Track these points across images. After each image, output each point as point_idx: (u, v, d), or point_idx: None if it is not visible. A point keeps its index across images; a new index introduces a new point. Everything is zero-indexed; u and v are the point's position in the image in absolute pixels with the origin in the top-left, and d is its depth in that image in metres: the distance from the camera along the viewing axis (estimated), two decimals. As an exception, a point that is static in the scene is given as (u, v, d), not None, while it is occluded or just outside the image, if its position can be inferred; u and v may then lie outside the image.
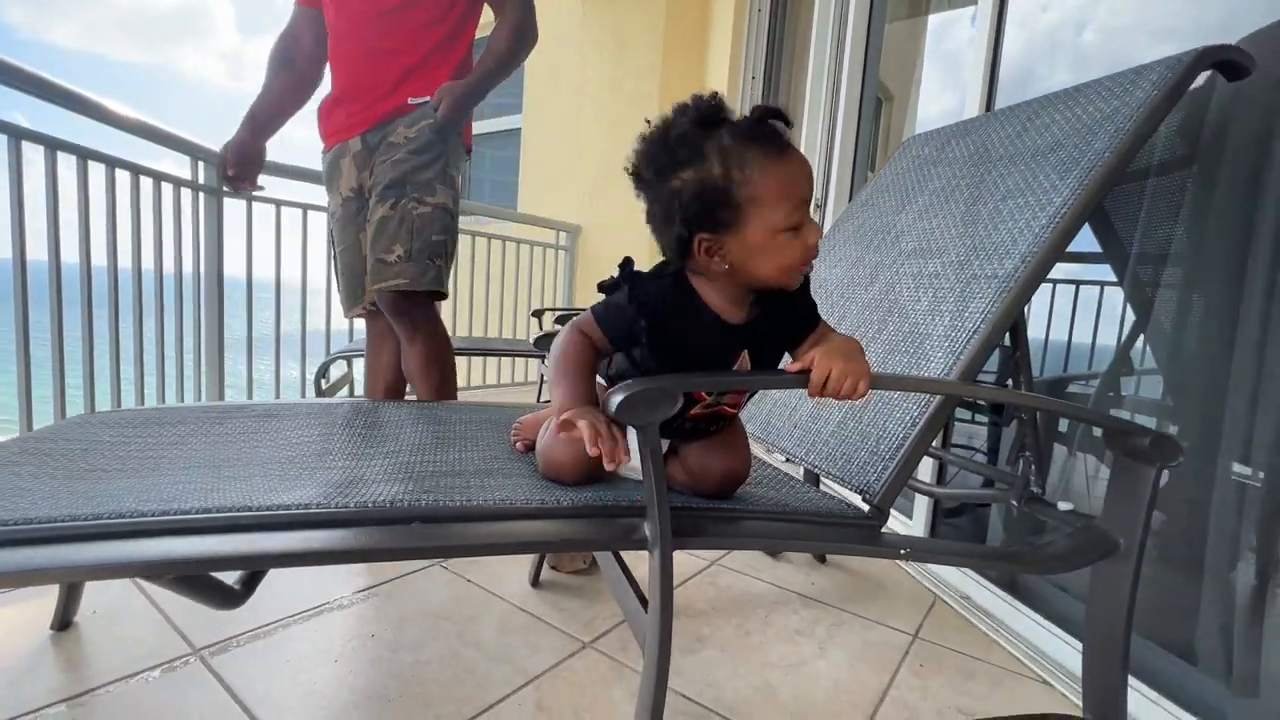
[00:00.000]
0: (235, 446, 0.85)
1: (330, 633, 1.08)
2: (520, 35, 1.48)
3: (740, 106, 2.95)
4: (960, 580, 1.35)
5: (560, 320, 2.46)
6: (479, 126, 4.83)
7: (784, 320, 0.74)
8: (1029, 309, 1.36)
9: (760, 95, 2.92)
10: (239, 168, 1.52)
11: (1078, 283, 1.38)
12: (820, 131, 2.38)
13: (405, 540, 0.58)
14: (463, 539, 0.60)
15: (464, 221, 3.57)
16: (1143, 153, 0.93)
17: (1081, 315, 1.36)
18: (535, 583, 1.27)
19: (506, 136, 4.64)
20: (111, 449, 0.82)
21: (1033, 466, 0.91)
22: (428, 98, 1.42)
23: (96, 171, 1.74)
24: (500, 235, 3.54)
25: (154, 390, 2.03)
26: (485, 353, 2.57)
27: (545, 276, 3.81)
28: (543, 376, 2.82)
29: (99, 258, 1.77)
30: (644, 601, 0.70)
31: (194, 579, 0.57)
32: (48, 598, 1.05)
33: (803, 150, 2.23)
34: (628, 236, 3.74)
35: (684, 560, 1.42)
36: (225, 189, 1.63)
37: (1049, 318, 1.40)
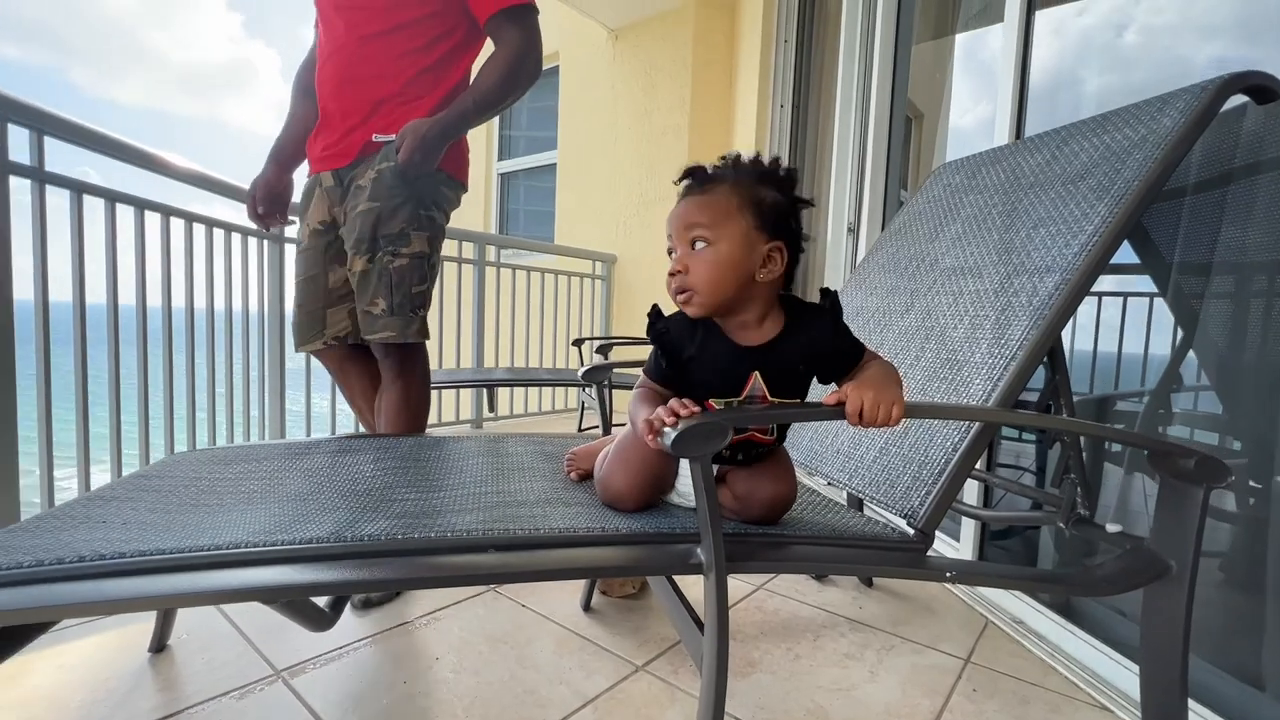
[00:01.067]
0: (317, 480, 0.93)
1: (397, 656, 1.14)
2: (516, 69, 1.35)
3: (770, 134, 3.02)
4: (1012, 604, 1.34)
5: (601, 350, 2.53)
6: (514, 164, 5.02)
7: (809, 349, 0.77)
8: (1073, 324, 1.36)
9: (789, 123, 2.98)
10: (268, 204, 1.51)
11: (1125, 295, 1.37)
12: (850, 157, 2.42)
13: (482, 566, 0.64)
14: (534, 565, 0.66)
15: (504, 255, 3.71)
16: (1181, 164, 0.94)
17: (1132, 328, 1.34)
18: (587, 607, 1.32)
19: (542, 170, 4.81)
20: (210, 485, 0.91)
21: (1078, 489, 0.92)
22: (392, 137, 1.34)
23: (176, 225, 1.91)
24: (539, 267, 3.66)
25: (224, 425, 2.17)
26: (529, 383, 2.66)
27: (584, 306, 3.91)
28: (583, 404, 2.88)
29: (176, 302, 1.93)
30: (699, 624, 0.74)
31: (298, 603, 0.63)
32: (146, 622, 1.14)
33: (834, 176, 2.26)
34: (661, 264, 3.82)
35: (731, 584, 1.43)
36: (256, 227, 1.56)
37: (1095, 331, 1.39)
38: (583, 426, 2.90)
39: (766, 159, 0.78)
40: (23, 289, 1.48)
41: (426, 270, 1.44)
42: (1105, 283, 1.37)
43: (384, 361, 1.46)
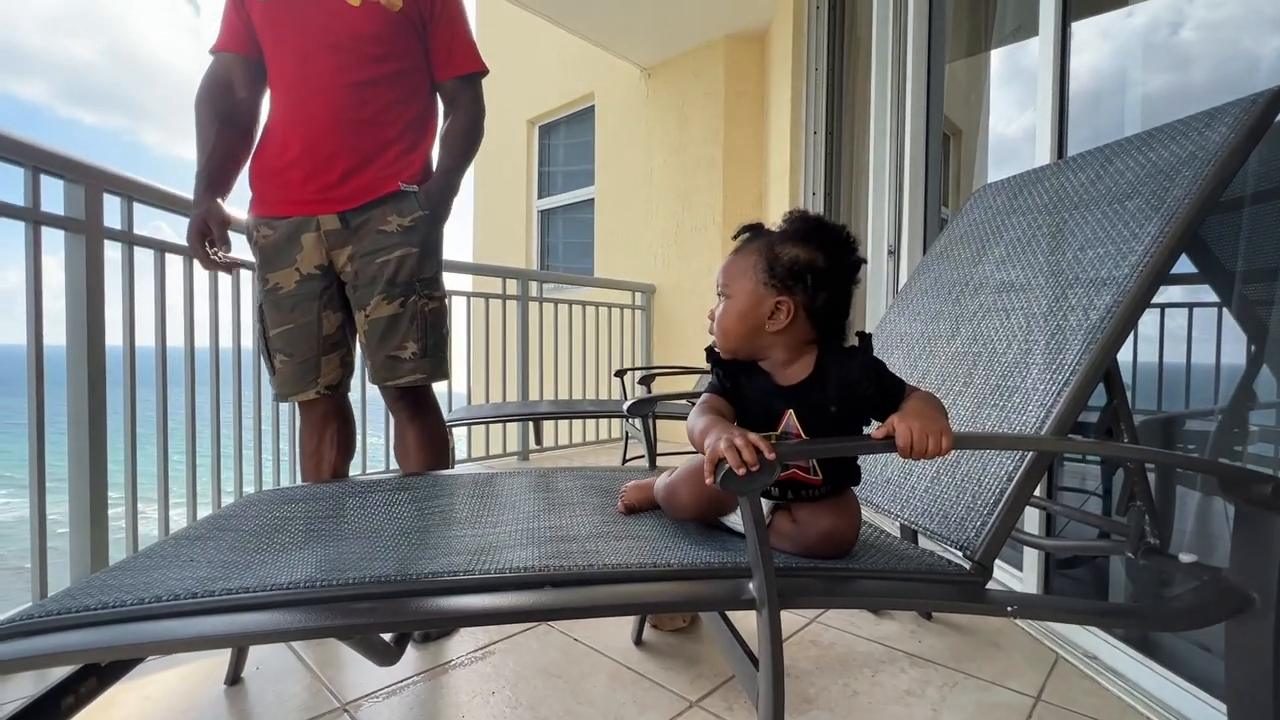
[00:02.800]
0: (379, 518, 0.98)
1: (455, 689, 1.16)
2: (473, 133, 1.47)
3: (803, 161, 3.04)
4: (1084, 637, 1.28)
5: (643, 381, 2.56)
6: (553, 201, 5.18)
7: (840, 390, 0.79)
8: (1135, 338, 1.31)
9: (823, 149, 2.99)
10: (225, 239, 1.39)
11: (1191, 305, 1.32)
12: (887, 179, 2.42)
13: (540, 603, 0.66)
14: (589, 601, 0.67)
15: (546, 290, 3.82)
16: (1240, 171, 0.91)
17: (1202, 341, 1.27)
18: (638, 641, 1.32)
19: (579, 203, 4.96)
20: (281, 524, 0.96)
21: (1146, 516, 0.88)
22: (416, 187, 1.39)
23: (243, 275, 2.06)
24: (580, 300, 3.74)
25: (287, 464, 2.28)
26: (573, 415, 2.70)
27: (624, 337, 3.96)
28: (627, 435, 2.90)
29: (225, 344, 2.06)
30: (753, 660, 0.74)
31: (370, 638, 0.67)
32: (222, 655, 1.20)
33: (871, 199, 2.26)
34: (699, 293, 3.87)
35: (784, 616, 1.41)
36: (210, 266, 1.42)
37: (1160, 344, 1.33)
38: (627, 457, 2.91)
39: (811, 214, 0.84)
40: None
41: (446, 312, 1.49)
42: (1173, 293, 1.32)
43: (397, 403, 1.47)
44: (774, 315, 0.79)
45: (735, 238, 0.86)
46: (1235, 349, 1.18)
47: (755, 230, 0.85)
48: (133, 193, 1.58)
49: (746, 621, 0.75)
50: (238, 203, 1.49)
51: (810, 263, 0.79)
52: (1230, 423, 1.19)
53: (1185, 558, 0.84)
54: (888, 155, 2.44)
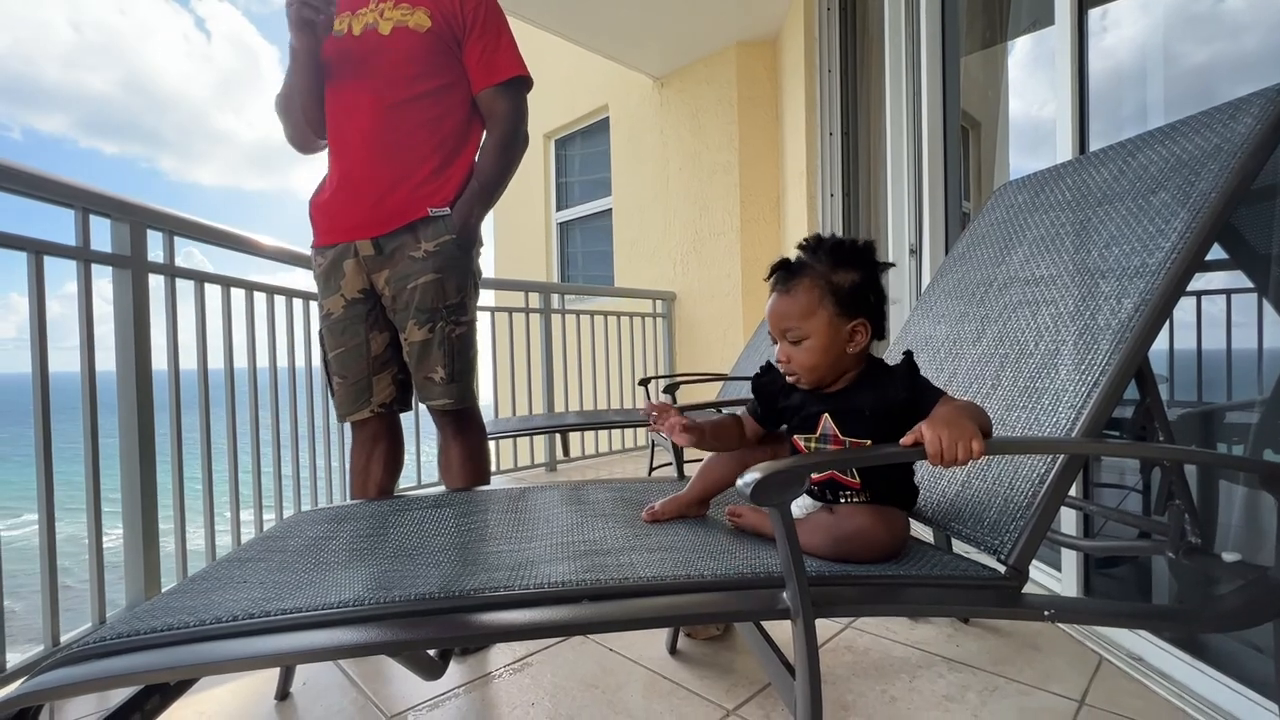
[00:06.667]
0: (419, 535, 1.01)
1: (495, 702, 1.19)
2: (507, 149, 1.46)
3: (820, 163, 3.04)
4: (1128, 638, 1.25)
5: (668, 389, 2.57)
6: (572, 213, 5.24)
7: (876, 398, 0.85)
8: (1170, 327, 1.28)
9: (840, 150, 2.99)
10: None
11: (1229, 291, 1.29)
12: (906, 177, 2.40)
13: (578, 617, 0.68)
14: (626, 614, 0.69)
15: (568, 301, 3.86)
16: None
17: (1243, 328, 1.23)
18: (673, 650, 1.33)
19: (598, 213, 5.00)
20: (326, 543, 1.00)
21: (1186, 515, 0.87)
22: (447, 210, 1.41)
23: (276, 299, 2.12)
24: (602, 311, 3.77)
25: (324, 483, 2.34)
26: (599, 426, 2.72)
27: (647, 345, 3.98)
28: (653, 443, 2.92)
29: (263, 366, 2.12)
30: (789, 669, 0.75)
31: (417, 654, 0.69)
32: (271, 672, 1.24)
33: (890, 201, 2.24)
34: (719, 298, 3.88)
35: (819, 623, 1.42)
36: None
37: (1198, 331, 1.29)
38: (654, 466, 2.92)
39: (831, 234, 0.89)
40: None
41: (475, 334, 1.52)
42: (1211, 278, 1.29)
43: (441, 420, 1.51)
44: (853, 338, 0.86)
45: (770, 278, 0.90)
46: (1278, 334, 1.14)
47: (790, 268, 0.88)
48: (174, 228, 1.66)
49: (781, 628, 0.76)
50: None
51: (864, 281, 0.86)
52: (1273, 414, 1.16)
53: (1229, 557, 0.83)
54: (905, 152, 2.43)
